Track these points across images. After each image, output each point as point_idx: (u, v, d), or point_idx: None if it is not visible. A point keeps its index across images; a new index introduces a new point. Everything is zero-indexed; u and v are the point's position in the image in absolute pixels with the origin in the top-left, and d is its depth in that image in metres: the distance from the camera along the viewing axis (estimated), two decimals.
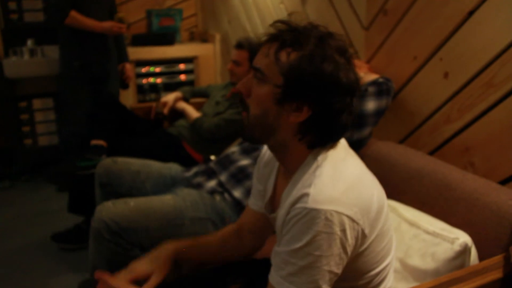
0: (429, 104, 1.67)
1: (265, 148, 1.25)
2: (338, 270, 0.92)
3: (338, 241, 0.88)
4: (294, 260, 0.91)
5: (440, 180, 1.39)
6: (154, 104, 2.82)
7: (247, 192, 1.76)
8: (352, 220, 0.90)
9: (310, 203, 0.89)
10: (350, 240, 0.90)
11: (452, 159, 1.56)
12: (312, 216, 0.88)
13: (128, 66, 3.21)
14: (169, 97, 2.74)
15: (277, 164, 1.16)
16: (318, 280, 0.89)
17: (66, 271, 2.29)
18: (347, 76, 0.94)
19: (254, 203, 1.29)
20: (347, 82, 0.94)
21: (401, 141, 1.83)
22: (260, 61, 0.99)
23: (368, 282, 1.02)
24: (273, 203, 1.18)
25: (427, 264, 1.21)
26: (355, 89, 0.97)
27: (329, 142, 1.01)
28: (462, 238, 1.16)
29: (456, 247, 1.15)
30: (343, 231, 0.89)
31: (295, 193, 0.94)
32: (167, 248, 1.29)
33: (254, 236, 1.33)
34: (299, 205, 0.91)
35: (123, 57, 3.21)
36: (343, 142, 1.06)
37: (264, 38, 1.00)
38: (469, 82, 1.51)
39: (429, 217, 1.33)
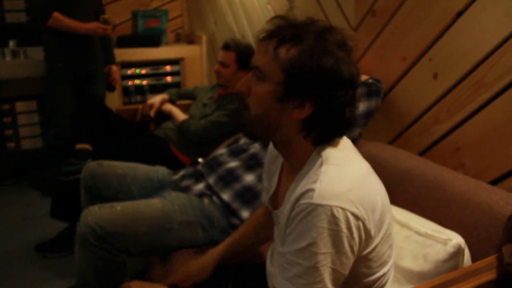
0: (419, 104, 1.67)
1: (270, 146, 1.24)
2: (344, 270, 0.90)
3: (344, 239, 0.87)
4: (299, 260, 0.89)
5: (431, 181, 1.39)
6: (140, 106, 2.79)
7: (236, 195, 1.74)
8: (358, 218, 0.88)
9: (316, 198, 0.87)
10: (357, 239, 0.89)
11: (442, 159, 1.56)
12: (317, 212, 0.86)
13: (115, 68, 3.15)
14: (156, 99, 2.71)
15: (281, 159, 1.15)
16: (325, 281, 0.88)
17: (52, 278, 2.24)
18: (348, 69, 0.93)
19: (264, 198, 1.31)
20: (348, 76, 0.93)
21: (391, 142, 1.82)
22: (259, 59, 0.98)
23: (367, 287, 1.01)
24: (276, 199, 1.17)
25: (420, 265, 1.20)
26: (357, 82, 0.96)
27: (334, 137, 1.00)
28: (455, 239, 1.15)
29: (449, 248, 1.14)
30: (349, 229, 0.87)
31: (299, 189, 0.93)
32: (213, 257, 1.38)
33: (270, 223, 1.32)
34: (304, 201, 0.89)
35: (110, 59, 3.15)
36: (349, 142, 1.05)
37: (262, 35, 0.98)
38: (459, 82, 1.50)
39: (420, 218, 1.32)
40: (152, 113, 2.67)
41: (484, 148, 1.45)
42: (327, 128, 0.97)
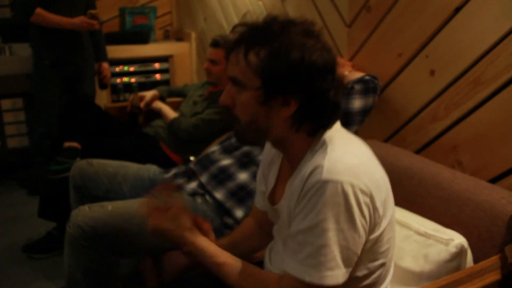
0: (415, 102, 1.65)
1: (267, 147, 1.23)
2: (357, 250, 0.90)
3: (355, 215, 0.87)
4: (311, 239, 0.88)
5: (430, 179, 1.36)
6: (131, 96, 2.71)
7: (229, 194, 1.70)
8: (366, 194, 0.88)
9: (325, 174, 0.87)
10: (367, 216, 0.89)
11: (439, 157, 1.54)
12: (327, 188, 0.86)
13: (106, 66, 3.06)
14: (147, 93, 2.66)
15: (281, 157, 1.15)
16: (337, 259, 0.87)
17: (40, 280, 2.17)
18: (321, 56, 0.93)
19: (258, 201, 1.30)
20: (322, 62, 0.93)
21: (386, 140, 1.80)
22: (233, 69, 0.98)
23: (368, 274, 0.99)
24: (274, 194, 1.15)
25: (420, 266, 1.17)
26: (333, 65, 0.96)
27: (329, 123, 0.99)
28: (457, 239, 1.13)
29: (452, 248, 1.12)
30: (359, 205, 0.87)
31: (307, 169, 0.92)
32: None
33: (263, 231, 1.31)
34: (313, 178, 0.89)
35: (101, 56, 3.06)
36: (344, 130, 1.05)
37: (229, 47, 0.99)
38: (456, 79, 1.49)
39: (419, 218, 1.30)
40: (142, 105, 2.61)
41: (482, 146, 1.44)
42: (317, 117, 0.97)
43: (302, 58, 0.91)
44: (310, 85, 0.93)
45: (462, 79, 1.47)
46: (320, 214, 0.86)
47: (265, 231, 1.29)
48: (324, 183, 0.86)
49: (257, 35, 0.95)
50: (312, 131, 0.99)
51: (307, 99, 0.94)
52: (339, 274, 0.88)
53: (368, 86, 1.65)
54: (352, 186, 0.86)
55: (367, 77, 1.68)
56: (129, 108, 2.65)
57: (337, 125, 1.02)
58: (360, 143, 1.03)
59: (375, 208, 0.91)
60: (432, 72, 1.57)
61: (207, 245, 1.09)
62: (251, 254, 1.43)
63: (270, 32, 0.94)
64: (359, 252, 0.91)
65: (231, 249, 1.33)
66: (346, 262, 0.88)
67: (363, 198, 0.87)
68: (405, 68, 1.68)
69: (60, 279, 2.10)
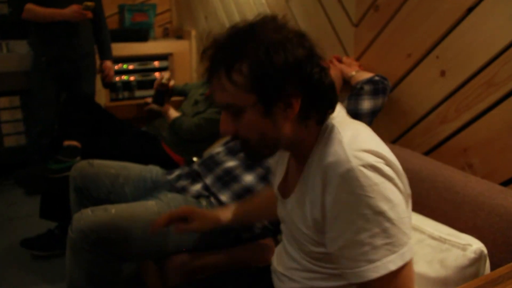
0: (424, 103, 1.62)
1: None
2: (409, 218, 0.88)
3: (393, 188, 0.85)
4: (373, 231, 0.83)
5: (442, 183, 1.33)
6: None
7: (235, 196, 1.67)
8: (391, 165, 0.87)
9: (351, 160, 0.84)
10: (401, 187, 0.87)
11: (448, 160, 1.51)
12: (354, 176, 0.83)
13: (108, 64, 2.98)
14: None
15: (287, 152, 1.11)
16: (405, 231, 0.85)
17: (40, 282, 2.13)
18: (301, 44, 0.90)
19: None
20: (305, 50, 0.90)
21: (393, 142, 1.77)
22: (221, 97, 0.92)
23: None
24: (285, 187, 1.12)
25: (436, 271, 1.14)
26: (312, 46, 0.93)
27: (332, 105, 0.96)
28: (475, 244, 1.10)
29: (470, 254, 1.09)
30: (391, 179, 0.85)
31: (322, 159, 0.90)
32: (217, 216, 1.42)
33: None
34: (338, 169, 0.85)
35: (104, 54, 3.00)
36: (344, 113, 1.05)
37: (206, 76, 0.94)
38: (468, 81, 1.46)
39: (432, 222, 1.27)
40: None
41: (494, 149, 1.41)
42: (321, 102, 0.94)
43: (286, 56, 0.87)
44: (304, 76, 0.90)
45: (474, 80, 1.44)
46: (367, 203, 0.82)
47: None
48: (349, 172, 0.83)
49: (230, 52, 0.89)
50: (320, 119, 0.96)
51: (306, 91, 0.91)
52: (410, 243, 0.86)
53: (377, 87, 1.62)
54: (376, 164, 0.84)
55: (376, 78, 1.65)
56: (157, 85, 2.59)
57: (338, 108, 1.00)
58: (364, 125, 1.00)
59: (403, 182, 0.89)
60: (443, 73, 1.54)
61: None
62: (271, 218, 1.50)
63: (241, 43, 0.89)
64: (410, 233, 0.88)
65: (251, 212, 1.44)
66: (409, 230, 0.86)
67: (390, 171, 0.86)
68: (415, 68, 1.65)
69: (60, 282, 2.07)
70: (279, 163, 1.18)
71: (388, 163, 0.86)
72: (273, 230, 1.69)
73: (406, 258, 0.85)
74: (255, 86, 0.88)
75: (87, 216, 1.48)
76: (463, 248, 1.11)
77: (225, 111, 0.94)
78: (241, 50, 0.88)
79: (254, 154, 1.00)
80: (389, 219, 0.83)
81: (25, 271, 2.22)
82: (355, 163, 0.83)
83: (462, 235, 1.17)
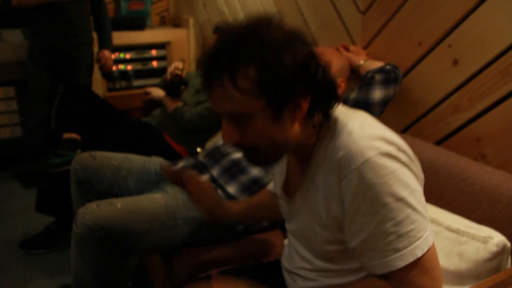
0: (435, 93, 1.59)
1: None
2: (427, 213, 0.86)
3: (408, 173, 0.84)
4: (397, 219, 0.81)
5: (458, 174, 1.31)
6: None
7: (242, 188, 1.64)
8: (402, 151, 0.85)
9: (364, 151, 0.82)
10: (414, 168, 0.86)
11: (461, 150, 1.49)
12: (369, 167, 0.81)
13: (106, 54, 2.86)
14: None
15: None
16: (425, 215, 0.84)
17: (40, 277, 2.09)
18: (302, 43, 0.87)
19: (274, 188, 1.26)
20: (308, 48, 0.87)
21: (403, 131, 1.74)
22: (225, 106, 0.86)
23: None
24: (288, 186, 1.09)
25: (455, 264, 1.12)
26: (310, 42, 0.89)
27: (337, 98, 0.93)
28: (497, 237, 1.08)
29: (492, 247, 1.06)
30: (405, 164, 0.84)
31: (330, 154, 0.88)
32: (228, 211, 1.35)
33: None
34: (351, 163, 0.83)
35: (103, 43, 2.88)
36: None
37: (207, 85, 0.88)
38: (482, 70, 1.43)
39: (448, 213, 1.25)
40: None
41: (508, 139, 1.39)
42: (326, 100, 0.91)
43: (294, 56, 0.83)
44: (311, 75, 0.86)
45: (488, 70, 1.41)
46: (388, 191, 0.81)
47: None
48: (368, 161, 0.81)
49: (233, 56, 0.83)
50: (326, 116, 0.92)
51: (314, 89, 0.87)
52: (430, 226, 0.86)
53: (389, 76, 1.58)
54: (387, 151, 0.82)
55: (388, 67, 1.62)
56: (170, 75, 2.48)
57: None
58: (366, 113, 0.98)
59: (416, 166, 0.89)
60: (455, 62, 1.51)
61: None
62: (271, 217, 1.46)
63: (245, 46, 0.83)
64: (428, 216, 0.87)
65: (252, 211, 1.39)
66: (427, 213, 0.85)
67: (404, 156, 0.84)
68: (425, 57, 1.61)
69: (60, 276, 2.04)
70: (277, 167, 1.15)
71: (400, 149, 0.85)
72: (281, 222, 1.66)
73: (430, 242, 0.84)
74: (264, 90, 0.83)
75: (92, 211, 1.43)
76: (484, 240, 1.09)
77: (230, 121, 0.89)
78: (245, 53, 0.82)
79: (262, 161, 0.96)
80: (410, 205, 0.82)
81: (24, 265, 2.18)
82: (369, 153, 0.82)
83: (481, 227, 1.14)
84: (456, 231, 1.16)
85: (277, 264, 1.25)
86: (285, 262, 1.18)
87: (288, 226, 1.15)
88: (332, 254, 0.98)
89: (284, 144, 0.91)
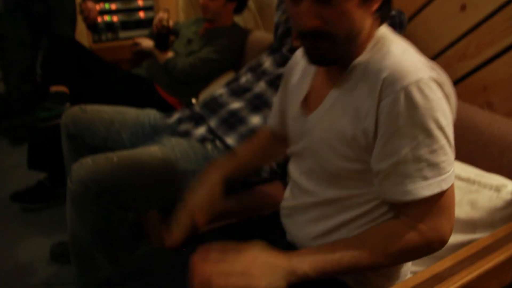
0: (441, 39, 1.53)
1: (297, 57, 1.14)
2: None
3: (448, 105, 0.82)
4: (432, 147, 0.79)
5: (466, 122, 1.28)
6: (159, 14, 2.40)
7: (242, 139, 1.58)
8: (448, 87, 0.83)
9: (411, 76, 0.79)
10: (453, 105, 0.85)
11: (466, 98, 1.44)
12: (421, 89, 0.78)
13: (89, 5, 2.70)
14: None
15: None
16: (452, 149, 0.83)
17: (34, 234, 2.04)
18: None
19: (273, 122, 1.25)
20: None
21: None
22: None
23: None
24: (307, 103, 1.02)
25: (467, 213, 1.10)
26: None
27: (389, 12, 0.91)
28: (511, 185, 1.06)
29: (506, 195, 1.04)
30: (447, 94, 0.82)
31: (373, 70, 0.84)
32: (214, 179, 1.23)
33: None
34: (396, 84, 0.79)
35: None
36: None
37: None
38: (492, 15, 1.36)
39: (457, 162, 1.22)
40: (171, 24, 2.37)
41: None
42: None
43: None
44: None
45: (498, 15, 1.35)
46: (432, 116, 0.79)
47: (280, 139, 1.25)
48: (419, 82, 0.78)
49: None
50: (383, 19, 0.90)
51: None
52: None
53: (394, 22, 1.51)
54: (434, 79, 0.80)
55: (393, 12, 1.54)
56: (157, 27, 2.37)
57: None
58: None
59: (453, 96, 0.87)
60: (463, 7, 1.44)
61: (310, 255, 0.87)
62: (270, 160, 1.44)
63: None
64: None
65: (252, 157, 1.30)
66: (452, 162, 0.83)
67: (448, 85, 0.83)
68: (431, 2, 1.54)
69: (53, 234, 2.00)
70: (300, 80, 1.08)
71: (445, 80, 0.83)
72: (281, 173, 1.63)
73: (453, 180, 0.83)
74: None
75: (87, 166, 1.38)
76: (497, 189, 1.07)
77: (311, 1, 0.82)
78: None
79: (322, 58, 0.90)
80: (446, 136, 0.81)
81: (17, 223, 2.13)
82: (420, 75, 0.79)
83: (492, 176, 1.13)
84: (467, 180, 1.14)
85: (277, 215, 1.21)
86: (285, 204, 1.13)
87: (294, 147, 1.07)
88: (346, 174, 0.92)
89: (356, 36, 0.86)
